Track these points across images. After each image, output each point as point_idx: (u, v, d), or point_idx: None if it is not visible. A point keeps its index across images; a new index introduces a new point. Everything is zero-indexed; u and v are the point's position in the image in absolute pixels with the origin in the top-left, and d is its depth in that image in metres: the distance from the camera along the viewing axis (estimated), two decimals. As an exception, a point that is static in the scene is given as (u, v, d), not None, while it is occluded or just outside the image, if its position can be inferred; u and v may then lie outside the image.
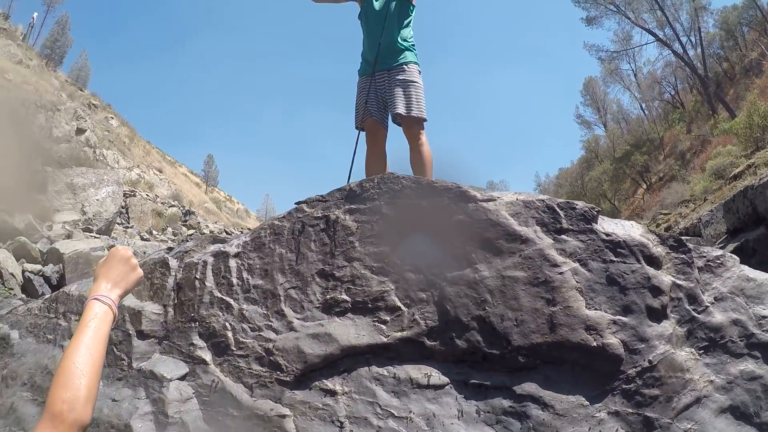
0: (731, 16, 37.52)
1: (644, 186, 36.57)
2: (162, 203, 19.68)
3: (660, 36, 36.28)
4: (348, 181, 3.31)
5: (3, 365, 2.93)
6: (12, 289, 4.90)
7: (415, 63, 3.91)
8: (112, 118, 38.87)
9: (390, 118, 3.86)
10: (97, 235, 8.61)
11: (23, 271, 5.44)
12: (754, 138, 18.48)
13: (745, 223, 7.94)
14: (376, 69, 3.86)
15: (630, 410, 2.26)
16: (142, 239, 11.47)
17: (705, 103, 34.86)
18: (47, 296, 3.16)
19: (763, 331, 2.40)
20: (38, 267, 5.70)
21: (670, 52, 36.35)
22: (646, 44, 38.49)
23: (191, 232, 17.04)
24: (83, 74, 52.34)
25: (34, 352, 2.90)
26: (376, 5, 3.94)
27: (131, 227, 12.97)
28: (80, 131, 27.41)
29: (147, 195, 20.21)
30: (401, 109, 3.69)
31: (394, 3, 3.89)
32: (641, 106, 45.44)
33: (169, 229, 15.97)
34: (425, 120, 3.77)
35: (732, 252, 7.16)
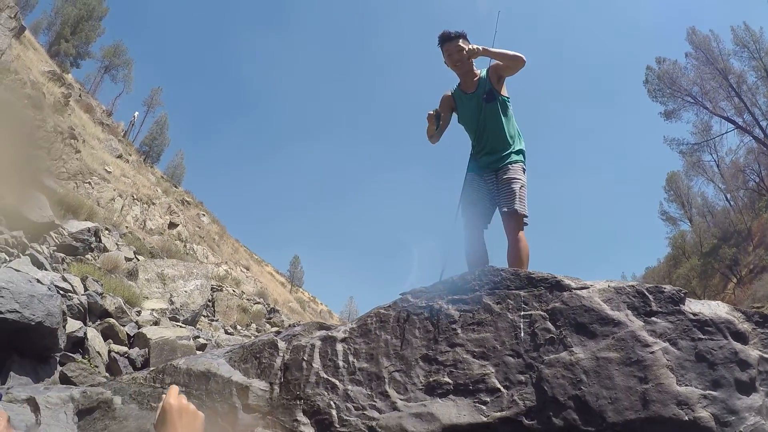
0: (808, 94, 35.69)
1: (734, 280, 35.15)
2: (248, 299, 19.81)
3: (739, 123, 35.63)
4: (441, 276, 3.43)
5: (103, 426, 3.11)
6: (97, 366, 5.13)
7: (521, 161, 3.99)
8: (204, 215, 40.22)
9: (493, 214, 3.95)
10: (183, 325, 8.86)
11: (109, 351, 5.70)
12: None
13: (841, 307, 7.71)
14: (483, 170, 4.00)
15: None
16: (226, 332, 11.74)
17: (791, 186, 33.42)
18: (153, 368, 3.35)
19: None
20: (124, 349, 5.97)
21: (751, 138, 35.58)
22: (726, 133, 37.11)
23: (275, 329, 17.21)
24: (178, 172, 55.68)
25: (136, 417, 3.08)
26: (471, 107, 4.05)
27: (216, 320, 13.24)
28: (173, 225, 28.52)
29: (233, 291, 20.50)
30: (504, 206, 3.81)
31: (485, 104, 3.96)
32: (726, 197, 44.06)
33: (253, 325, 16.14)
34: (526, 216, 3.84)
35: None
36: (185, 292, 10.60)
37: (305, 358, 2.88)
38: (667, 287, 2.64)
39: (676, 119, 37.19)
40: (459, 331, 2.70)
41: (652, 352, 2.49)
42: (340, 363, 2.80)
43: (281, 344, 3.02)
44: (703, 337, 2.53)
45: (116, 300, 7.04)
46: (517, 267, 3.59)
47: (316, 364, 2.84)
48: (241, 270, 35.99)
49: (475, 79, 4.09)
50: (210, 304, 13.89)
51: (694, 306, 2.63)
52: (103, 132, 33.12)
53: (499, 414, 2.50)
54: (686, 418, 2.39)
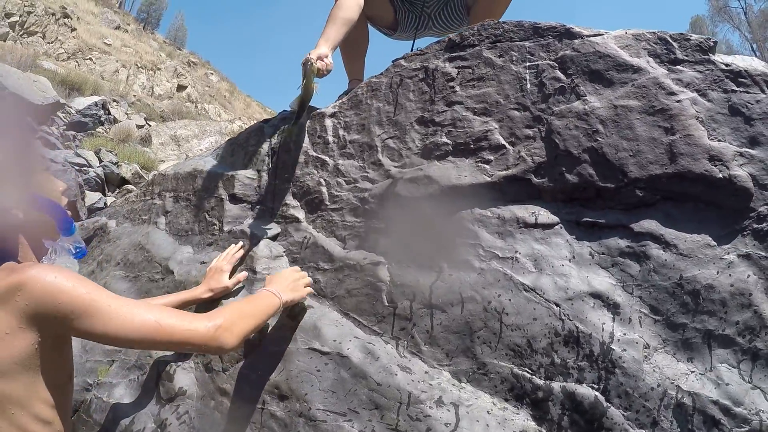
0: None
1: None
2: (264, 151, 20.15)
3: (772, -31, 32.59)
4: (412, 49, 2.97)
5: (99, 252, 2.96)
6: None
7: None
8: (212, 74, 40.31)
9: None
10: (201, 182, 8.96)
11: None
12: None
13: None
14: None
15: (763, 253, 1.99)
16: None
17: (820, 42, 31.34)
18: (142, 184, 3.19)
19: None
20: (143, 213, 6.00)
21: (785, -13, 33.03)
22: (757, -22, 34.58)
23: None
24: (180, 34, 55.64)
25: (129, 234, 2.91)
26: None
27: (233, 174, 13.30)
28: (181, 88, 28.72)
29: (248, 144, 20.87)
30: None
31: None
32: (752, 47, 40.74)
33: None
34: None
35: None
36: (200, 150, 10.50)
37: (293, 139, 2.65)
38: (694, 35, 2.34)
39: (704, -42, 34.08)
40: (457, 88, 2.40)
41: (678, 101, 2.18)
42: (330, 138, 2.55)
43: (267, 129, 2.81)
44: (736, 89, 2.20)
45: (132, 167, 7.11)
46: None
47: (305, 143, 2.61)
48: (256, 124, 36.43)
49: None
50: (226, 159, 13.93)
51: (724, 58, 2.32)
52: (96, 6, 33.16)
53: (504, 172, 2.21)
54: (720, 175, 2.06)
